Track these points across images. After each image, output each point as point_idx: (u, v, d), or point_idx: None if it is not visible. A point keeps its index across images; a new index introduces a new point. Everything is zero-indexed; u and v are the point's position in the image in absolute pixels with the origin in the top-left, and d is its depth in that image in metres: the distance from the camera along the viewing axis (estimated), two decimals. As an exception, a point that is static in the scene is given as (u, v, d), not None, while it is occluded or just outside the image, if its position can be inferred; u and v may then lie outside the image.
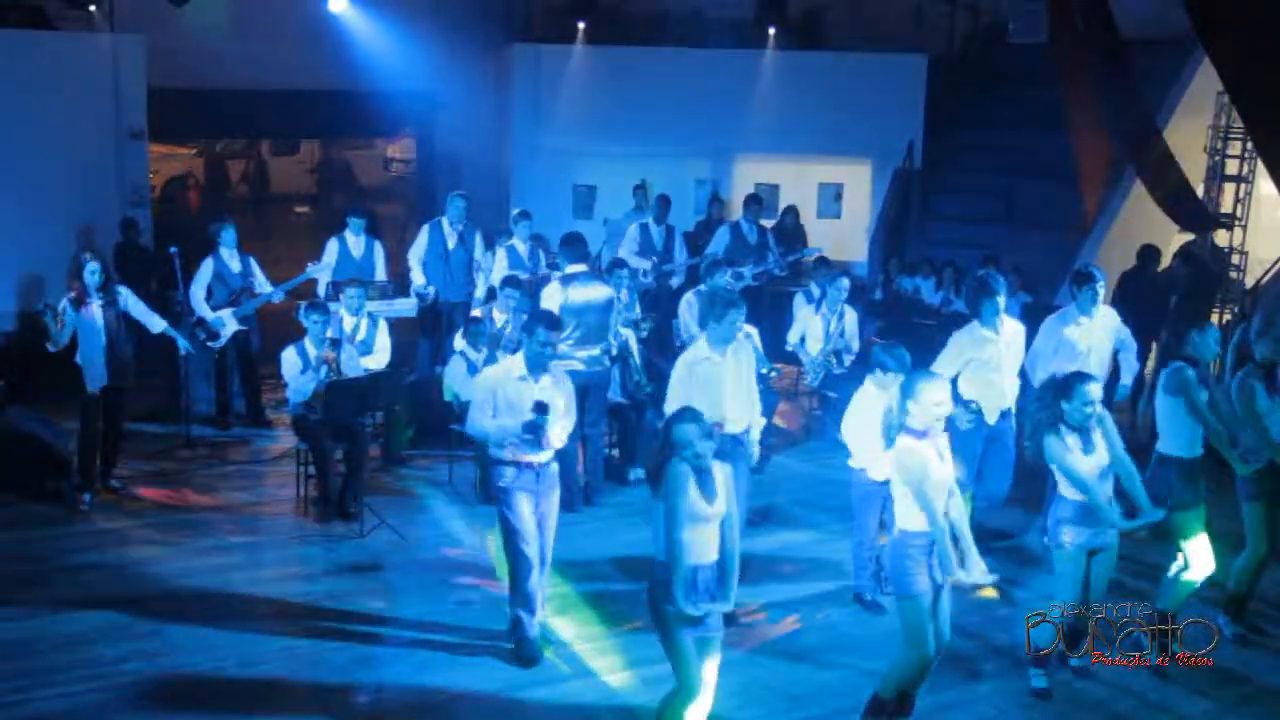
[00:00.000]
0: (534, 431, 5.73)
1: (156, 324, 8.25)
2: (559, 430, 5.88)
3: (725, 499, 4.79)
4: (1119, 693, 5.81)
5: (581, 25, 14.59)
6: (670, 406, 6.04)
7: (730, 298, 6.58)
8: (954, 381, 6.75)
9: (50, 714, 5.46)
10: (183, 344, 8.54)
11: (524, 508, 5.88)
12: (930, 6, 15.15)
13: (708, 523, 4.75)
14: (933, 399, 5.06)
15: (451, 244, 10.21)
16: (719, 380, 6.43)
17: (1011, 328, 7.08)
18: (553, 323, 6.00)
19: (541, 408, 5.72)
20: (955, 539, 5.14)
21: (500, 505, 5.94)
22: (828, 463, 8.87)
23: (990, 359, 6.95)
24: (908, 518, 5.11)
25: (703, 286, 9.57)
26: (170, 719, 5.51)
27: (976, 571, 5.14)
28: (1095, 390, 5.48)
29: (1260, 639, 6.40)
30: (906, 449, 5.08)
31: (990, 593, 6.45)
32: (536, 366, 5.87)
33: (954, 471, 5.30)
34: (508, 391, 5.85)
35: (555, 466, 6.03)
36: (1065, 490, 5.60)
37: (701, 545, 4.74)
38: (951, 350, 6.99)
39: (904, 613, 5.17)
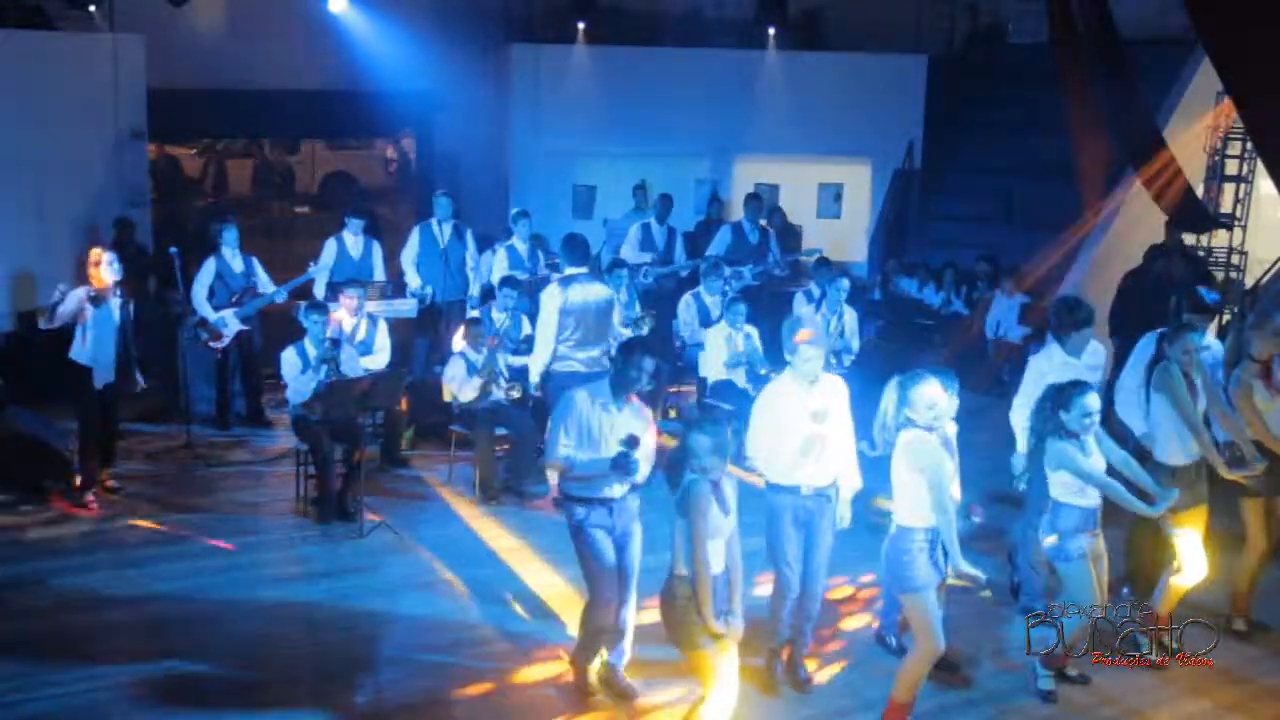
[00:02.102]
0: (622, 466, 5.36)
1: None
2: (644, 463, 5.45)
3: (734, 512, 4.86)
4: (1116, 694, 5.79)
5: (581, 25, 14.58)
6: (752, 444, 5.73)
7: (791, 324, 5.72)
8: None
9: (50, 714, 5.45)
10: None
11: (604, 545, 5.49)
12: (930, 6, 15.15)
13: (722, 536, 4.80)
14: (923, 400, 5.09)
15: (444, 243, 10.19)
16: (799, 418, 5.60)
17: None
18: (651, 351, 5.57)
19: (632, 441, 5.37)
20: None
21: (581, 544, 5.52)
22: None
23: None
24: (908, 513, 5.12)
25: (700, 287, 9.59)
26: (170, 719, 5.51)
27: (966, 567, 5.08)
28: (1094, 401, 5.40)
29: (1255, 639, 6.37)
30: (918, 438, 5.10)
31: (984, 593, 6.43)
32: (623, 394, 5.52)
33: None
34: (591, 420, 5.47)
35: (635, 502, 5.59)
36: (1070, 497, 5.48)
37: (715, 558, 4.79)
38: (1031, 375, 6.50)
39: (913, 608, 5.18)
